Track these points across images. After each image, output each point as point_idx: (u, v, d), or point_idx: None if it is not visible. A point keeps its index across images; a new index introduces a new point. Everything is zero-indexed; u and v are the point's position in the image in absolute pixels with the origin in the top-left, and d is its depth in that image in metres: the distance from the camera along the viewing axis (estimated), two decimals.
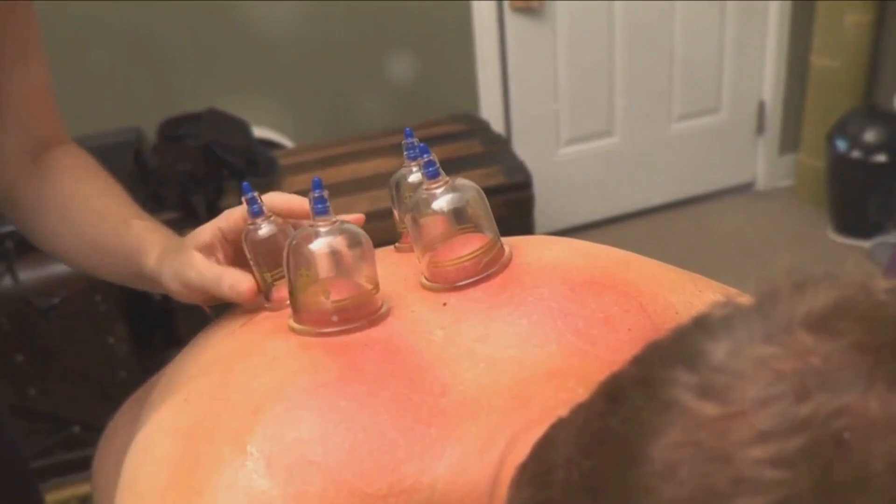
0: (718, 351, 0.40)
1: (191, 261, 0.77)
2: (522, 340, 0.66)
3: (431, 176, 0.72)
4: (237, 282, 0.75)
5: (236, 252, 0.80)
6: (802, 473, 0.35)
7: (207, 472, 0.59)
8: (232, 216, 0.78)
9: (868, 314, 0.40)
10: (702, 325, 0.43)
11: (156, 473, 0.62)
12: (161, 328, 2.38)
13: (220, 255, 0.79)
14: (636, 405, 0.42)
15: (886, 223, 3.20)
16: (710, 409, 0.38)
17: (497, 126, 3.11)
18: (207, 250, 0.78)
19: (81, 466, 2.09)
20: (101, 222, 0.91)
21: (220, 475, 0.58)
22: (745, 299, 0.43)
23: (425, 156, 0.72)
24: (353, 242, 0.69)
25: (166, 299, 2.27)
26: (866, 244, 3.19)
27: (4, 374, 2.16)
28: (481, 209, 0.73)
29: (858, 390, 0.37)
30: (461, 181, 0.73)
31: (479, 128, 2.89)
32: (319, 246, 0.68)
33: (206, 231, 0.78)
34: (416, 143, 0.77)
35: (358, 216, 0.75)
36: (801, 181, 3.54)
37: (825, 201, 3.31)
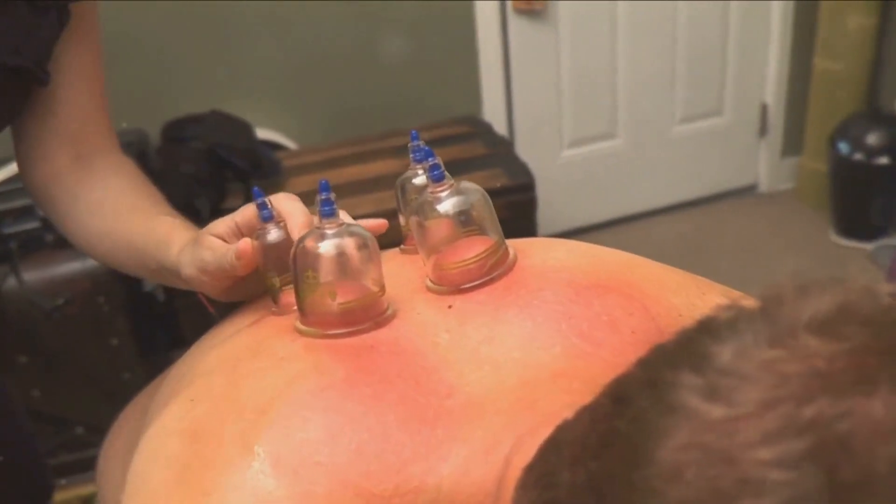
0: (724, 354, 0.40)
1: (207, 243, 0.79)
2: (527, 343, 0.67)
3: (437, 179, 0.72)
4: (239, 247, 0.76)
5: None
6: (807, 475, 0.36)
7: (215, 473, 0.59)
8: (247, 211, 0.79)
9: (872, 318, 0.40)
10: (707, 329, 0.43)
11: (163, 474, 0.62)
12: (164, 329, 2.38)
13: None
14: (642, 407, 0.42)
15: (889, 226, 3.20)
16: (715, 411, 0.39)
17: (500, 128, 3.11)
18: (221, 239, 0.80)
19: (85, 467, 2.10)
20: (131, 216, 0.94)
21: (227, 476, 0.59)
22: (749, 303, 0.43)
23: (430, 159, 0.72)
24: (360, 244, 0.69)
25: (170, 300, 2.28)
26: (868, 247, 3.19)
27: (8, 375, 2.17)
28: (486, 212, 0.73)
29: (862, 393, 0.37)
30: (466, 184, 0.73)
31: (481, 130, 2.89)
32: (326, 248, 0.69)
33: (221, 223, 0.80)
34: (421, 146, 0.78)
35: (380, 222, 0.77)
36: (804, 184, 3.54)
37: (827, 204, 3.31)
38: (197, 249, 0.80)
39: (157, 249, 0.88)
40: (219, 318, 0.86)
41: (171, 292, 2.27)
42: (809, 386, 0.38)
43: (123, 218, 0.95)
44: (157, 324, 2.37)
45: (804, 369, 0.38)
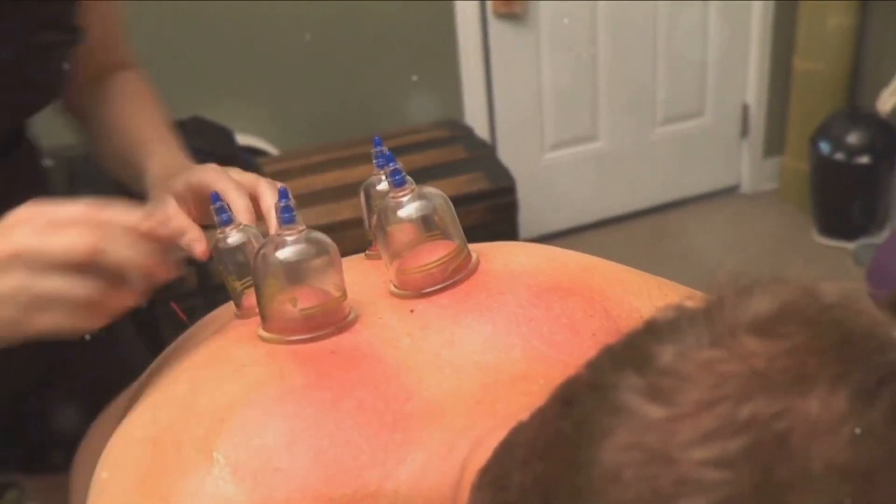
0: (666, 354, 0.40)
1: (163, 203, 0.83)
2: (487, 346, 0.67)
3: (397, 184, 0.72)
4: (195, 240, 0.77)
5: (201, 214, 0.83)
6: (743, 474, 0.36)
7: (174, 480, 0.59)
8: (206, 175, 0.83)
9: (813, 318, 0.40)
10: (651, 330, 0.43)
11: (124, 481, 0.62)
12: (146, 338, 2.37)
13: (191, 207, 0.84)
14: (587, 409, 0.42)
15: (870, 225, 3.21)
16: (655, 411, 0.39)
17: (482, 132, 3.11)
18: (179, 199, 0.83)
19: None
20: (123, 137, 1.04)
21: (186, 482, 0.59)
22: (694, 303, 0.44)
23: (391, 164, 0.72)
24: (321, 250, 0.69)
25: (150, 308, 2.27)
26: (850, 246, 3.20)
27: None
28: (448, 216, 0.73)
29: (800, 392, 0.37)
30: (427, 189, 0.73)
31: (462, 134, 2.89)
32: (286, 255, 0.69)
33: (180, 183, 0.85)
34: (384, 152, 0.78)
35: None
36: (786, 184, 3.55)
37: (810, 204, 3.32)
38: (157, 193, 0.89)
39: (137, 175, 0.98)
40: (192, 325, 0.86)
41: (151, 301, 2.26)
42: (747, 386, 0.38)
43: (118, 137, 1.05)
44: (138, 332, 2.36)
45: (743, 369, 0.38)
